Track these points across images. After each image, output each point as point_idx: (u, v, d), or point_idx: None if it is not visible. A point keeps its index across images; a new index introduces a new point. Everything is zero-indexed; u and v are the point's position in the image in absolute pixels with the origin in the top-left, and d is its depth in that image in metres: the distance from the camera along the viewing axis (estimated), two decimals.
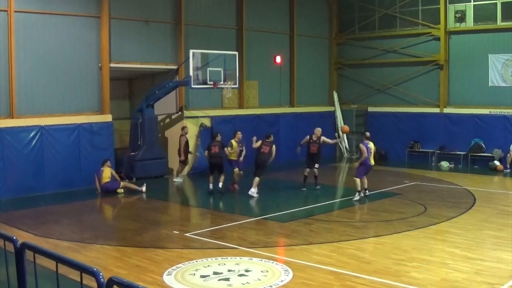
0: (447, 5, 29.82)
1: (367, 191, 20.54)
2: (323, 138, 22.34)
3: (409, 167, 27.81)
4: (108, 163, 21.85)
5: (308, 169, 22.14)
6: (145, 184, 21.85)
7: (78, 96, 22.65)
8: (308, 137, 22.37)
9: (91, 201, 20.48)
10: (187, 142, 24.78)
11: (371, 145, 20.33)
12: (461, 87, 29.81)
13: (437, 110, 30.24)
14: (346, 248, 13.85)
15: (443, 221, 16.75)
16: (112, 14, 23.39)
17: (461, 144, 28.44)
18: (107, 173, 21.58)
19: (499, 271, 11.89)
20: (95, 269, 4.96)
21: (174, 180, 24.52)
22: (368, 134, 20.92)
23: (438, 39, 30.25)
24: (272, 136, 22.02)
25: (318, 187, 22.15)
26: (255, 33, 29.29)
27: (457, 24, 29.73)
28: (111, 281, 4.75)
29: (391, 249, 13.74)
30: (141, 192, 21.56)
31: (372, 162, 20.53)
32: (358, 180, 20.10)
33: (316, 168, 21.99)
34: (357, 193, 20.06)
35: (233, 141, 22.04)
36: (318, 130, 22.44)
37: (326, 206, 19.48)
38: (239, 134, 22.18)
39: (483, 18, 29.01)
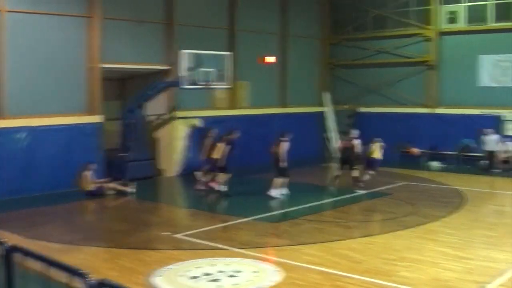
0: (439, 6, 29.89)
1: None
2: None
3: (400, 167, 27.83)
4: (90, 166, 21.36)
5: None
6: (134, 185, 21.76)
7: (69, 97, 22.55)
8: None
9: (81, 202, 20.37)
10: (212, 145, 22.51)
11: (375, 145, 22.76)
12: (452, 88, 29.89)
13: (428, 110, 30.31)
14: (336, 248, 13.85)
15: (433, 221, 16.78)
16: (103, 14, 23.31)
17: (451, 144, 28.48)
18: (89, 179, 21.29)
19: (489, 270, 11.94)
20: (84, 271, 4.94)
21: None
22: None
23: (429, 39, 30.33)
24: (285, 134, 21.24)
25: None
26: (247, 33, 29.25)
27: (449, 25, 29.79)
28: (101, 284, 4.73)
29: (382, 249, 13.74)
30: (130, 192, 21.46)
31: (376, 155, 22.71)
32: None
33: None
34: None
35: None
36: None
37: (317, 206, 19.45)
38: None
39: (475, 19, 29.10)
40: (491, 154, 26.41)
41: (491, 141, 26.56)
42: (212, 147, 22.02)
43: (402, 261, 12.65)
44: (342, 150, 23.18)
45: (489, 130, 26.54)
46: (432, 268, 12.14)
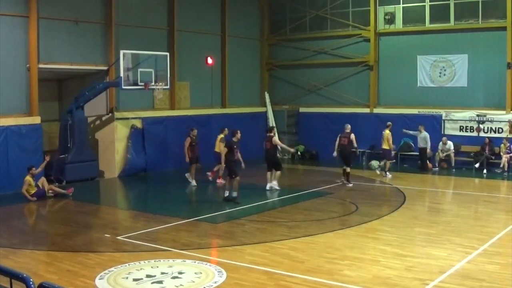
0: (377, 7, 30.29)
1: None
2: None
3: (340, 166, 28.04)
4: (33, 170, 20.91)
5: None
6: (72, 188, 21.43)
7: (6, 98, 22.09)
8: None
9: (20, 205, 19.94)
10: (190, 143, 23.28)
11: (385, 132, 25.41)
12: (390, 88, 30.33)
13: (367, 110, 30.67)
14: (279, 247, 13.90)
15: (374, 219, 16.99)
16: (40, 13, 22.90)
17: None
18: (31, 182, 20.90)
19: (429, 267, 12.12)
20: (25, 275, 4.85)
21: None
22: (388, 123, 25.71)
23: (368, 40, 30.70)
24: (273, 129, 23.38)
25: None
26: (187, 33, 29.16)
27: (387, 26, 30.21)
28: (42, 287, 4.66)
29: (324, 248, 13.85)
30: (68, 194, 21.14)
31: (384, 146, 25.51)
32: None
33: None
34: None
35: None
36: (348, 127, 23.95)
37: (259, 206, 19.48)
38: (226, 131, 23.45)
39: (412, 20, 29.59)
40: (422, 151, 26.81)
41: (422, 138, 27.04)
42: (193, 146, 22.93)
43: (343, 260, 12.76)
44: (341, 146, 23.81)
45: (422, 128, 27.02)
46: (373, 266, 12.28)
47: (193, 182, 23.21)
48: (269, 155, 22.05)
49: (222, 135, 23.65)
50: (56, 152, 24.35)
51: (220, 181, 23.60)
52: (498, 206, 19.48)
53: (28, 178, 20.55)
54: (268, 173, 22.24)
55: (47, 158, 21.77)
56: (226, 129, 23.54)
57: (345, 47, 31.58)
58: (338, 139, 23.89)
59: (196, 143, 23.20)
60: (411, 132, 27.45)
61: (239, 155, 20.94)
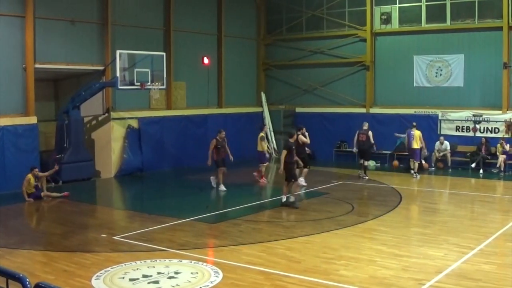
0: (373, 7, 30.31)
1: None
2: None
3: (336, 166, 28.09)
4: (35, 171, 20.78)
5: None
6: (67, 192, 21.32)
7: (2, 98, 22.03)
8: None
9: (16, 205, 19.91)
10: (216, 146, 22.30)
11: (414, 132, 25.26)
12: (386, 88, 30.36)
13: (363, 110, 30.68)
14: (275, 248, 13.91)
15: (370, 219, 17.01)
16: (37, 13, 22.85)
17: (387, 144, 28.83)
18: (31, 182, 20.86)
19: (425, 267, 12.13)
20: (21, 275, 4.84)
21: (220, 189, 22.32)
22: (414, 123, 25.73)
23: (364, 40, 30.72)
24: (301, 128, 23.24)
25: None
26: (183, 33, 29.14)
27: (383, 26, 30.23)
28: (38, 287, 4.65)
29: (320, 248, 13.86)
30: (64, 196, 21.06)
31: (415, 146, 25.29)
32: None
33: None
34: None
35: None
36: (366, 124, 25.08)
37: (255, 206, 19.49)
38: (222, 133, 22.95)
39: (408, 20, 29.62)
40: (411, 151, 26.71)
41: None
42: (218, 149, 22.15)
43: (340, 260, 12.77)
44: (359, 142, 24.94)
45: (414, 126, 27.04)
46: (369, 266, 12.29)
47: (222, 187, 22.02)
48: (297, 153, 22.20)
49: (262, 133, 24.22)
50: (52, 152, 24.33)
51: (263, 180, 23.95)
52: (494, 206, 19.53)
53: (30, 176, 20.51)
54: (297, 170, 22.36)
55: (56, 167, 21.89)
56: (265, 126, 23.91)
57: (342, 47, 31.59)
58: (356, 136, 25.04)
59: (222, 145, 22.30)
60: (402, 135, 27.41)
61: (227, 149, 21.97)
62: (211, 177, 22.68)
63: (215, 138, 22.23)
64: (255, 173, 24.21)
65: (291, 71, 33.40)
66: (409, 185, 23.40)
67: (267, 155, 25.03)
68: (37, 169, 20.89)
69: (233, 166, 23.11)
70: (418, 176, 25.24)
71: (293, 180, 19.20)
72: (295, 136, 20.08)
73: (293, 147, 19.41)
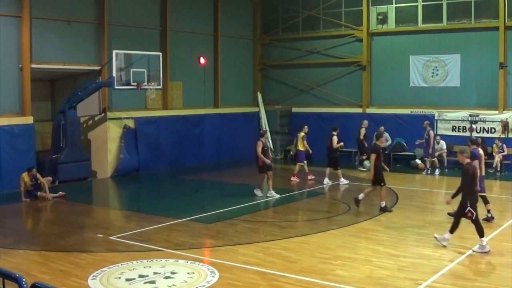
0: (370, 7, 30.34)
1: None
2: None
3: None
4: (33, 171, 20.77)
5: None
6: (63, 193, 21.29)
7: None
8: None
9: (13, 205, 19.89)
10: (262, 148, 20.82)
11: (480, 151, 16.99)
12: (383, 88, 30.39)
13: (360, 110, 30.70)
14: (272, 248, 13.91)
15: (367, 219, 17.02)
16: (33, 13, 22.85)
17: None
18: (27, 181, 20.82)
19: (421, 267, 12.15)
20: (18, 275, 4.84)
21: (268, 194, 20.96)
22: (477, 139, 18.80)
23: (360, 40, 30.75)
24: (336, 129, 24.26)
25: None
26: (179, 33, 29.13)
27: (379, 26, 30.25)
28: (35, 287, 4.64)
29: (316, 248, 13.86)
30: (59, 197, 21.02)
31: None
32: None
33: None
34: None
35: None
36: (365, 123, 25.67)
37: (251, 206, 19.49)
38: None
39: (404, 20, 29.66)
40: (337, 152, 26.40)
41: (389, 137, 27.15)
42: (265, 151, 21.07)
43: (336, 260, 12.78)
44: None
45: (381, 128, 27.05)
46: (365, 266, 12.30)
47: (259, 193, 20.86)
48: (329, 153, 23.20)
49: (303, 133, 24.49)
50: (48, 152, 24.31)
51: (294, 179, 24.19)
52: (491, 206, 19.51)
53: (24, 175, 20.45)
54: (327, 169, 23.48)
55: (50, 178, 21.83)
56: (305, 127, 24.08)
57: (338, 47, 31.60)
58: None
59: (268, 147, 21.70)
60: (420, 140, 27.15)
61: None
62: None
63: (259, 140, 20.71)
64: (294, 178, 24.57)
65: (288, 71, 33.41)
66: (406, 185, 23.41)
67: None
68: (34, 170, 20.83)
69: (230, 166, 23.11)
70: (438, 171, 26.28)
71: (382, 184, 18.33)
72: (382, 139, 19.56)
73: (381, 150, 18.65)
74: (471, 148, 16.13)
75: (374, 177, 18.28)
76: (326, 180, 23.60)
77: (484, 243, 13.35)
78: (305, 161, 24.63)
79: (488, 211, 16.66)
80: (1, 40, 22.11)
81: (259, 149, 20.29)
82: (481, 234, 13.40)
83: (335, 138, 23.48)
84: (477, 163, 15.39)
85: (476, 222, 13.47)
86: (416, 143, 27.37)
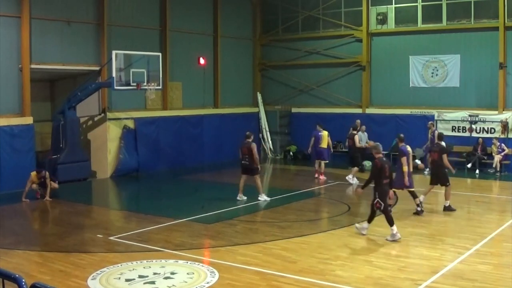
0: (369, 7, 30.34)
1: None
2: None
3: (332, 166, 28.08)
4: (43, 173, 20.70)
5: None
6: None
7: None
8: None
9: (12, 205, 19.85)
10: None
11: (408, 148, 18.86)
12: (383, 88, 30.38)
13: (359, 110, 30.69)
14: (271, 248, 13.91)
15: (366, 220, 16.95)
16: (32, 14, 22.84)
17: (383, 144, 28.76)
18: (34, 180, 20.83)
19: (421, 268, 12.16)
20: (17, 276, 4.83)
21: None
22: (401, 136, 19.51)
23: (360, 40, 30.74)
24: (357, 127, 24.69)
25: None
26: (179, 34, 29.12)
27: (379, 26, 30.25)
28: (34, 287, 4.64)
29: (316, 248, 13.86)
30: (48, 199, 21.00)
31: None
32: None
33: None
34: None
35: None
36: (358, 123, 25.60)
37: (251, 207, 19.48)
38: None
39: (404, 20, 29.65)
40: (362, 150, 26.21)
41: (364, 137, 27.07)
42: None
43: (336, 260, 12.78)
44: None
45: (363, 127, 27.07)
46: (365, 266, 12.30)
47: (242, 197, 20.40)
48: (350, 152, 23.63)
49: (326, 132, 24.73)
50: (48, 153, 24.31)
51: (322, 177, 24.37)
52: (490, 206, 19.56)
53: (33, 175, 20.49)
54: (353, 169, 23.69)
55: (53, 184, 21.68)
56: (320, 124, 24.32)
57: (337, 47, 31.60)
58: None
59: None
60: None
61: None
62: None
63: (253, 142, 20.25)
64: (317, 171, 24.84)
65: (287, 71, 33.40)
66: None
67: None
68: (44, 172, 20.75)
69: (229, 166, 23.11)
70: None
71: (448, 184, 18.49)
72: (354, 132, 21.27)
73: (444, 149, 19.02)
74: (400, 145, 18.09)
75: (444, 178, 18.54)
76: (352, 179, 23.53)
77: (394, 232, 14.49)
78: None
79: (418, 205, 17.80)
80: (1, 41, 22.10)
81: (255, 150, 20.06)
82: (390, 223, 14.58)
83: (357, 137, 23.63)
84: (405, 160, 17.44)
85: (385, 212, 14.68)
86: (423, 149, 27.10)
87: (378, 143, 16.73)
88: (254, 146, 19.95)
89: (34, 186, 20.58)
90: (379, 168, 14.79)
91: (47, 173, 20.83)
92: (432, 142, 25.93)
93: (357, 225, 15.45)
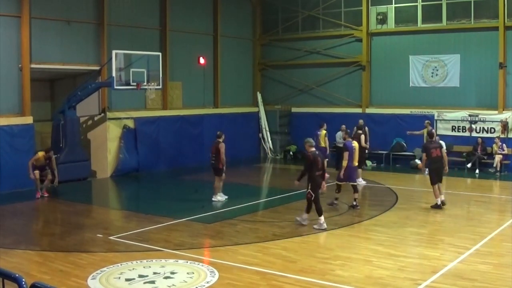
0: (369, 7, 30.34)
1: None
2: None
3: (332, 166, 28.05)
4: (51, 153, 21.21)
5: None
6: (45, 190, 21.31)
7: None
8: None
9: (12, 205, 19.83)
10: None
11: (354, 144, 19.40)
12: (382, 88, 30.39)
13: (359, 110, 30.68)
14: (271, 248, 13.91)
15: (366, 219, 17.03)
16: (32, 13, 22.84)
17: (383, 144, 28.86)
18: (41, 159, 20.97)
19: (421, 267, 12.15)
20: (17, 275, 4.83)
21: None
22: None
23: (360, 40, 30.75)
24: (362, 127, 24.18)
25: None
26: (179, 33, 29.12)
27: (379, 26, 30.26)
28: (34, 287, 4.64)
29: (316, 248, 13.89)
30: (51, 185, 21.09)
31: None
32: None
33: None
34: None
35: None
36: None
37: (251, 206, 19.49)
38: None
39: (404, 20, 29.66)
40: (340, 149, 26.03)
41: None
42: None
43: (336, 260, 12.78)
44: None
45: (343, 127, 26.76)
46: (365, 266, 12.29)
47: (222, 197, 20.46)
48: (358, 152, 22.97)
49: (324, 131, 24.42)
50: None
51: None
52: (490, 206, 19.57)
53: (40, 154, 20.80)
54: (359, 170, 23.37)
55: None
56: (325, 124, 24.10)
57: (337, 47, 31.60)
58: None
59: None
60: (416, 132, 26.99)
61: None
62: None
63: (222, 141, 20.11)
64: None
65: (287, 71, 33.40)
66: (405, 185, 23.40)
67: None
68: (52, 152, 21.18)
69: (229, 166, 23.05)
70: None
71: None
72: (360, 132, 21.53)
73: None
74: (346, 140, 19.21)
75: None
76: (360, 180, 22.89)
77: (321, 221, 15.68)
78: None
79: (355, 199, 18.66)
80: (1, 40, 22.10)
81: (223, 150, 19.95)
82: (319, 213, 15.76)
83: (363, 137, 23.45)
84: (346, 154, 18.50)
85: (315, 202, 15.83)
86: (408, 133, 27.33)
87: (310, 138, 17.09)
88: (222, 146, 19.89)
89: (37, 174, 20.64)
90: (311, 161, 15.90)
91: (53, 157, 20.98)
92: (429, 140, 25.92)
93: (297, 218, 16.38)
